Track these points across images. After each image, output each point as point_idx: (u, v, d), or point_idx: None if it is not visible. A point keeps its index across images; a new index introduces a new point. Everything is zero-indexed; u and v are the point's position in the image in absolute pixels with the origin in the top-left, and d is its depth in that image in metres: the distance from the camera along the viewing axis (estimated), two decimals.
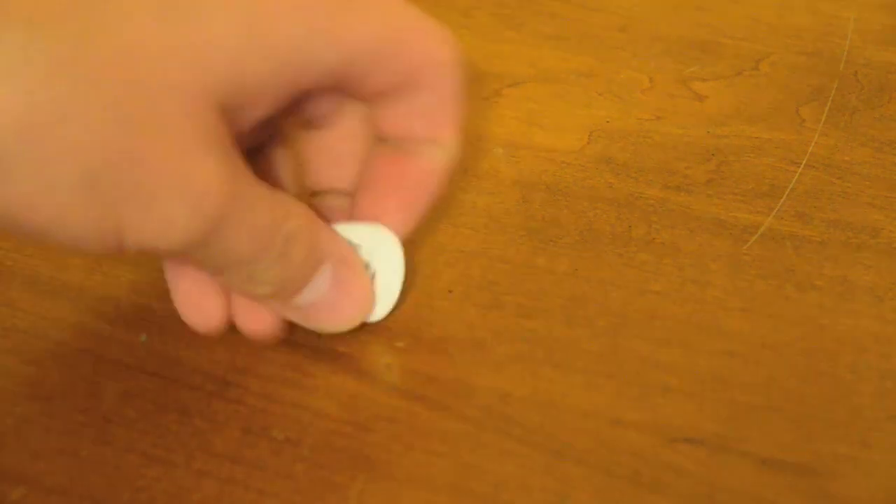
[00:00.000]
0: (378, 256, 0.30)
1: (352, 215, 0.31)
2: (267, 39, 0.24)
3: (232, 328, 0.31)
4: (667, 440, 0.28)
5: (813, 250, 0.33)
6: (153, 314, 0.31)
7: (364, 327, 0.31)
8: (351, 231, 0.30)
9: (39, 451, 0.28)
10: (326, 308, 0.29)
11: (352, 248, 0.29)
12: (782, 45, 0.42)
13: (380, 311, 0.30)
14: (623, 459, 0.28)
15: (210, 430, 0.28)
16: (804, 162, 0.37)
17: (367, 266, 0.30)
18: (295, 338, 0.30)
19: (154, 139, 0.23)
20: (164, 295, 0.30)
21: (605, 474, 0.27)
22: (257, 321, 0.29)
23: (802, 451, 0.28)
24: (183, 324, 0.30)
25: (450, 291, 0.32)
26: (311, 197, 0.31)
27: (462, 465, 0.27)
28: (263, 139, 0.30)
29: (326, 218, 0.31)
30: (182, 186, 0.24)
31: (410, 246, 0.33)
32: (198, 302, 0.29)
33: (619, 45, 0.42)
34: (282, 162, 0.31)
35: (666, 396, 0.29)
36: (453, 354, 0.30)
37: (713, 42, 0.42)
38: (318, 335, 0.31)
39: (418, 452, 0.28)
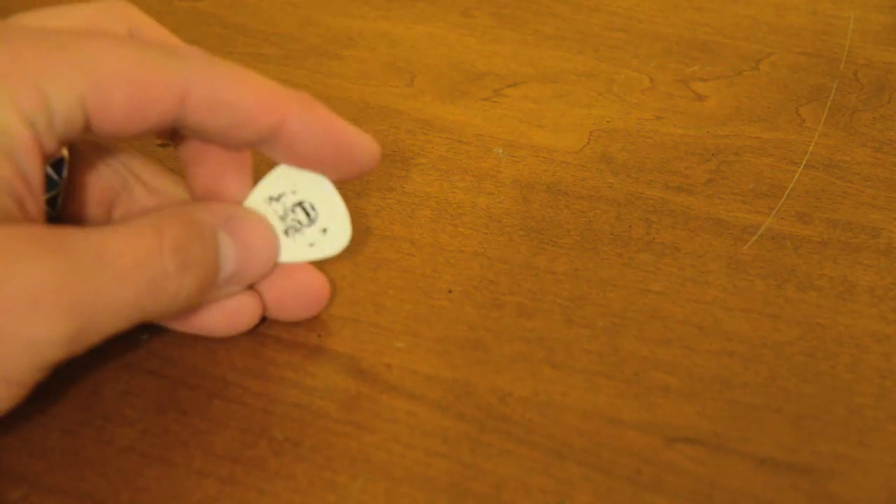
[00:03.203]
0: (307, 189, 0.30)
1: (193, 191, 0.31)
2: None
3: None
4: (667, 440, 0.28)
5: (813, 250, 0.34)
6: None
7: (367, 327, 0.31)
8: (270, 181, 0.30)
9: (40, 450, 0.28)
10: (250, 263, 0.29)
11: (226, 203, 0.29)
12: (782, 45, 0.42)
13: (342, 238, 0.31)
14: (623, 459, 0.28)
15: (210, 430, 0.28)
16: (804, 162, 0.37)
17: (309, 206, 0.31)
18: (295, 338, 0.31)
19: None
20: None
21: (605, 474, 0.27)
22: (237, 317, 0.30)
23: (802, 451, 0.28)
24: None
25: (450, 291, 0.32)
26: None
27: (462, 465, 0.27)
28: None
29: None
30: (39, 309, 0.23)
31: (411, 246, 0.33)
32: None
33: (619, 45, 0.42)
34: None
35: (666, 396, 0.29)
36: (453, 354, 0.30)
37: (713, 42, 0.42)
38: (318, 334, 0.31)
39: (418, 452, 0.28)
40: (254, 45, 0.41)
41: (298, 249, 0.30)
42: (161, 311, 0.26)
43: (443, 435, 0.28)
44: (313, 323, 0.31)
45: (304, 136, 0.29)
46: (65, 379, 0.29)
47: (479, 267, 0.33)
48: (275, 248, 0.30)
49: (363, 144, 0.30)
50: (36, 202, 0.25)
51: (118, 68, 0.26)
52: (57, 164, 0.30)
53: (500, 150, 0.37)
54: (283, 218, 0.30)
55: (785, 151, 0.37)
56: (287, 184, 0.30)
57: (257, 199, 0.30)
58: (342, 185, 0.30)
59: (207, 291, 0.28)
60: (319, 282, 0.30)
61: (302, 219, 0.30)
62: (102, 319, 0.25)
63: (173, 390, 0.29)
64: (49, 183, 0.29)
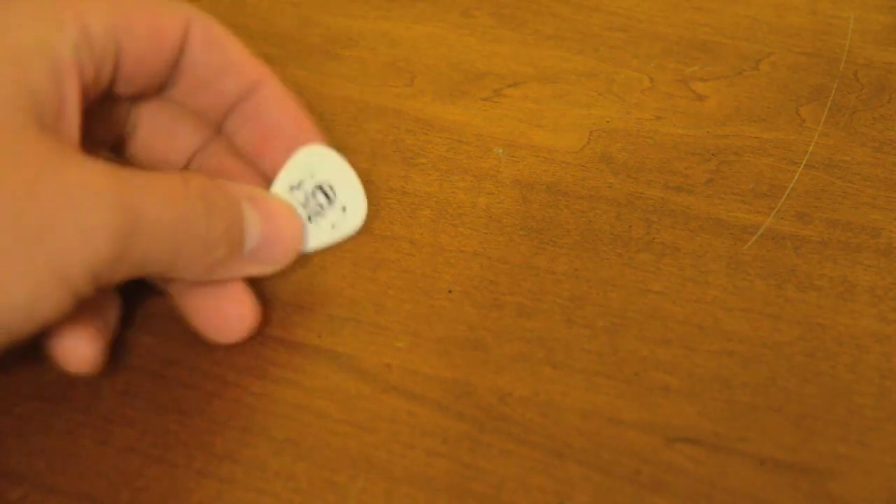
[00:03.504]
0: (324, 170, 0.31)
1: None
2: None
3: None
4: (667, 440, 0.28)
5: (813, 250, 0.34)
6: (153, 314, 0.31)
7: (367, 327, 0.31)
8: (288, 170, 0.31)
9: (40, 450, 0.28)
10: (270, 241, 0.29)
11: (250, 186, 0.30)
12: (782, 45, 0.42)
13: (359, 212, 0.32)
14: (623, 459, 0.28)
15: (210, 429, 0.28)
16: (804, 162, 0.37)
17: (328, 186, 0.31)
18: (295, 338, 0.31)
19: (26, 172, 0.23)
20: (164, 294, 0.30)
21: (605, 474, 0.27)
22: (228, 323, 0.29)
23: (802, 451, 0.28)
24: (183, 323, 0.30)
25: (450, 291, 0.32)
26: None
27: (462, 465, 0.27)
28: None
29: (220, 165, 0.32)
30: (77, 197, 0.24)
31: (411, 246, 0.33)
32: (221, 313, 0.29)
33: (619, 45, 0.42)
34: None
35: (666, 396, 0.29)
36: (453, 354, 0.30)
37: (713, 42, 0.42)
38: (318, 334, 0.31)
39: (418, 452, 0.28)
40: (254, 45, 0.41)
41: (322, 233, 0.31)
42: (193, 255, 0.27)
43: (443, 435, 0.28)
44: (313, 323, 0.31)
45: (273, 102, 0.30)
46: (65, 379, 0.29)
47: (479, 267, 0.33)
48: (300, 228, 0.31)
49: (314, 131, 0.31)
50: (67, 126, 0.26)
51: (134, 1, 0.28)
52: None
53: (500, 150, 0.37)
54: (305, 205, 0.31)
55: (785, 151, 0.37)
56: (304, 169, 0.31)
57: (279, 190, 0.31)
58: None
59: (235, 251, 0.28)
60: (247, 307, 0.30)
61: (322, 202, 0.31)
62: (148, 230, 0.25)
63: (173, 390, 0.29)
64: None
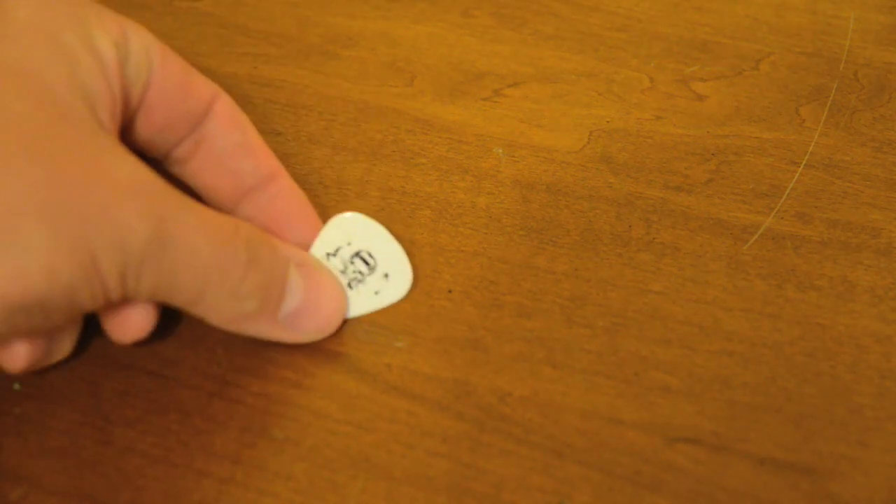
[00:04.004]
0: (361, 237, 0.31)
1: None
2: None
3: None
4: (666, 440, 0.28)
5: (813, 250, 0.34)
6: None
7: (368, 327, 0.31)
8: (324, 237, 0.31)
9: (39, 451, 0.28)
10: (309, 312, 0.29)
11: (304, 252, 0.30)
12: (782, 45, 0.42)
13: (405, 280, 0.32)
14: (623, 459, 0.28)
15: (210, 429, 0.28)
16: (804, 162, 0.37)
17: (366, 254, 0.31)
18: None
19: (74, 158, 0.24)
20: None
21: (605, 474, 0.27)
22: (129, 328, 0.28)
23: (802, 451, 0.28)
24: (183, 324, 0.30)
25: (450, 291, 0.32)
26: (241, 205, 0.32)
27: (462, 465, 0.27)
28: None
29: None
30: (122, 189, 0.24)
31: (410, 246, 0.33)
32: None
33: (619, 45, 0.42)
34: None
35: (666, 396, 0.29)
36: (453, 354, 0.30)
37: (713, 42, 0.42)
38: None
39: (418, 452, 0.28)
40: (254, 45, 0.41)
41: (365, 300, 0.31)
42: (221, 297, 0.27)
43: (443, 435, 0.28)
44: None
45: (287, 197, 0.31)
46: (65, 379, 0.29)
47: (479, 267, 0.33)
48: (344, 301, 0.30)
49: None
50: (115, 124, 0.27)
51: (172, 50, 0.29)
52: None
53: (500, 150, 0.37)
54: (343, 272, 0.31)
55: (785, 151, 0.37)
56: (341, 236, 0.31)
57: (315, 255, 0.31)
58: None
59: (268, 310, 0.28)
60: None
61: (362, 269, 0.31)
62: (180, 253, 0.25)
63: (173, 390, 0.29)
64: None
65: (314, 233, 0.31)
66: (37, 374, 0.29)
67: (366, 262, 0.31)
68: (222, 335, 0.30)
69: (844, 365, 0.30)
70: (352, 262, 0.31)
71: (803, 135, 0.38)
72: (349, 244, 0.31)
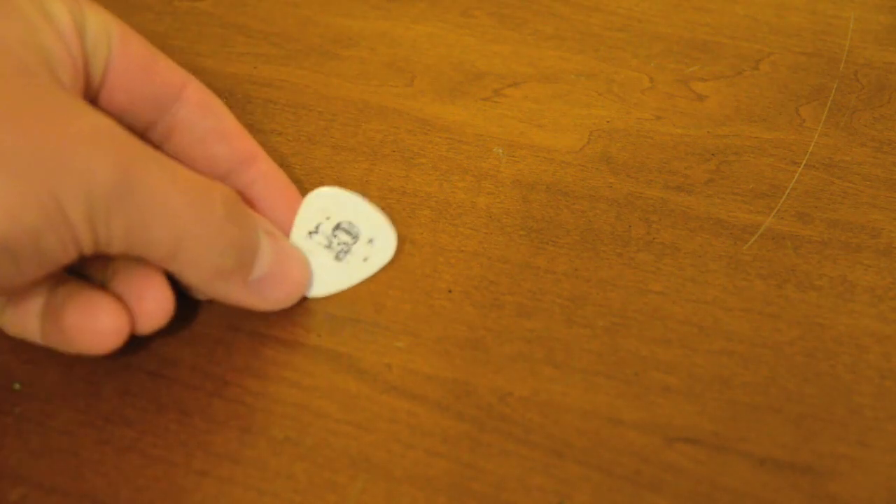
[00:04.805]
0: (339, 209, 0.32)
1: None
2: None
3: (233, 328, 0.31)
4: (666, 440, 0.28)
5: (813, 250, 0.34)
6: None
7: (367, 327, 0.31)
8: (302, 216, 0.31)
9: (39, 451, 0.28)
10: (277, 278, 0.29)
11: (269, 222, 0.30)
12: (782, 45, 0.42)
13: (390, 242, 0.32)
14: (623, 459, 0.28)
15: (210, 429, 0.28)
16: (804, 162, 0.37)
17: (347, 224, 0.31)
18: (295, 338, 0.31)
19: (33, 109, 0.24)
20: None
21: (605, 474, 0.27)
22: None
23: (802, 451, 0.28)
24: (183, 324, 0.30)
25: (450, 291, 0.32)
26: None
27: (462, 465, 0.27)
28: None
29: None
30: (84, 136, 0.24)
31: (411, 246, 0.33)
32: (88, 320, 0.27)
33: (619, 45, 0.42)
34: None
35: (666, 396, 0.29)
36: (453, 354, 0.30)
37: (713, 42, 0.42)
38: (318, 333, 0.31)
39: (418, 452, 0.28)
40: (254, 45, 0.41)
41: (357, 269, 0.31)
42: (199, 249, 0.26)
43: (443, 435, 0.28)
44: (313, 323, 0.31)
45: (267, 180, 0.31)
46: (65, 379, 0.29)
47: (479, 267, 0.33)
48: (307, 276, 0.31)
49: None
50: (77, 88, 0.27)
51: (137, 34, 0.29)
52: None
53: (500, 150, 0.37)
54: (329, 247, 0.31)
55: (785, 151, 0.37)
56: (318, 213, 0.31)
57: (297, 238, 0.31)
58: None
59: (242, 269, 0.28)
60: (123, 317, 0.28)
61: (346, 239, 0.31)
62: (147, 198, 0.25)
63: (173, 390, 0.29)
64: None
65: (293, 216, 0.31)
66: (37, 374, 0.29)
67: (348, 233, 0.31)
68: (222, 335, 0.30)
69: (844, 365, 0.30)
70: (334, 236, 0.31)
71: (803, 135, 0.38)
72: (328, 218, 0.31)
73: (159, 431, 0.28)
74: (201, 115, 0.30)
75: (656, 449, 0.28)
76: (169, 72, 0.29)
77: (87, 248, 0.25)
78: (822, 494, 0.27)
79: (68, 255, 0.25)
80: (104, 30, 0.27)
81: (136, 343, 0.30)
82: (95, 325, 0.27)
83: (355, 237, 0.31)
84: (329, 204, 0.32)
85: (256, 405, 0.29)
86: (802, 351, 0.30)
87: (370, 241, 0.32)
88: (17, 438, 0.28)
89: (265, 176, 0.31)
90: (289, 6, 0.43)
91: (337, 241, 0.31)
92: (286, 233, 0.31)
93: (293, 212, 0.31)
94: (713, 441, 0.28)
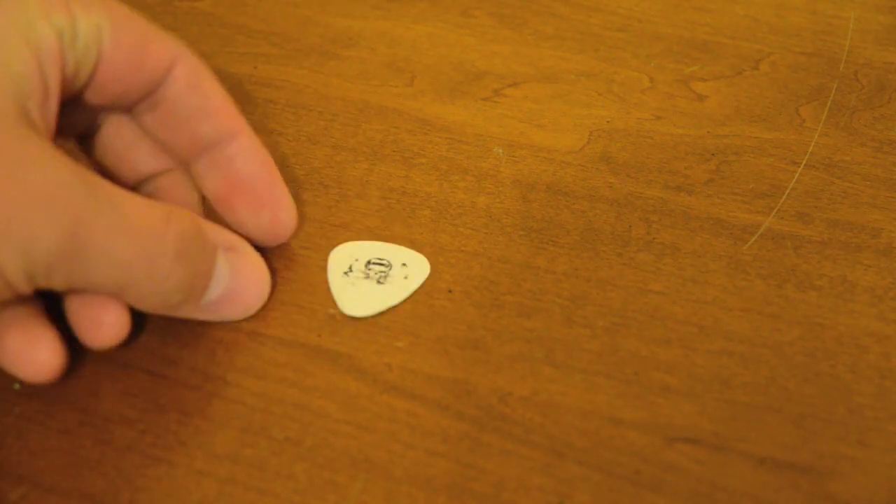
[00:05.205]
0: (364, 251, 0.33)
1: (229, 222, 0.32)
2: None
3: (232, 328, 0.31)
4: (666, 440, 0.28)
5: (813, 250, 0.33)
6: (153, 314, 0.31)
7: (367, 327, 0.31)
8: (334, 263, 0.33)
9: (39, 450, 0.28)
10: (232, 298, 0.30)
11: (232, 233, 0.30)
12: (782, 45, 0.42)
13: (422, 261, 0.33)
14: (623, 459, 0.28)
15: (210, 429, 0.28)
16: (804, 162, 0.37)
17: (376, 259, 0.33)
18: (295, 338, 0.31)
19: None
20: None
21: (605, 474, 0.27)
22: (100, 333, 0.28)
23: (802, 451, 0.28)
24: (183, 324, 0.30)
25: (450, 291, 0.32)
26: (141, 184, 0.32)
27: (462, 465, 0.27)
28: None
29: (172, 196, 0.32)
30: (32, 198, 0.24)
31: (410, 246, 0.33)
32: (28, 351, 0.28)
33: (619, 45, 0.42)
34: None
35: (666, 396, 0.29)
36: (453, 354, 0.30)
37: (713, 42, 0.42)
38: (318, 333, 0.31)
39: (418, 452, 0.28)
40: (254, 45, 0.41)
41: (400, 288, 0.32)
42: (144, 291, 0.27)
43: (443, 435, 0.28)
44: (313, 323, 0.31)
45: (247, 156, 0.31)
46: (65, 379, 0.29)
47: (479, 267, 0.33)
48: (267, 285, 0.31)
49: (283, 192, 0.32)
50: (46, 115, 0.26)
51: (131, 17, 0.28)
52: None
53: (500, 150, 0.37)
54: (368, 277, 0.32)
55: (785, 151, 0.37)
56: (346, 258, 0.32)
57: (334, 279, 0.32)
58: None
59: (192, 300, 0.28)
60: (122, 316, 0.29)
61: (381, 269, 0.32)
62: (93, 256, 0.25)
63: (173, 390, 0.29)
64: None
65: (272, 191, 0.32)
66: None
67: (380, 264, 0.32)
68: (222, 335, 0.30)
69: (844, 365, 0.30)
70: (369, 269, 0.32)
71: (803, 135, 0.38)
72: (357, 260, 0.32)
73: (159, 431, 0.28)
74: (188, 94, 0.30)
75: (656, 449, 0.28)
76: (159, 53, 0.29)
77: (25, 292, 0.26)
78: (822, 494, 0.27)
79: (2, 297, 0.25)
80: (95, 30, 0.27)
81: (136, 343, 0.30)
82: (34, 355, 0.27)
83: (389, 265, 0.32)
84: (354, 250, 0.33)
85: (256, 405, 0.29)
86: (802, 351, 0.30)
87: (404, 264, 0.32)
88: (17, 438, 0.28)
89: (246, 152, 0.31)
90: (289, 6, 0.43)
91: (373, 272, 0.32)
92: (265, 202, 0.31)
93: (269, 188, 0.31)
94: (713, 441, 0.28)
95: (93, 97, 0.29)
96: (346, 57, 0.41)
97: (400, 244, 0.33)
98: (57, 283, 0.26)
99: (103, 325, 0.28)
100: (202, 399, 0.29)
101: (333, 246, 0.33)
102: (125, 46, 0.28)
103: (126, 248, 0.25)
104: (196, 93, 0.30)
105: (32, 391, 0.29)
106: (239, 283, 0.30)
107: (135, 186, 0.32)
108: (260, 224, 0.32)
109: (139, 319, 0.31)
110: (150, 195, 0.32)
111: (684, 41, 0.42)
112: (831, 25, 0.43)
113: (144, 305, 0.28)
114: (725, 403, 0.29)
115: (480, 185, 0.36)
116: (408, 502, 0.27)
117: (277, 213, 0.32)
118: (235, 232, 0.31)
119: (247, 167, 0.31)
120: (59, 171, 0.25)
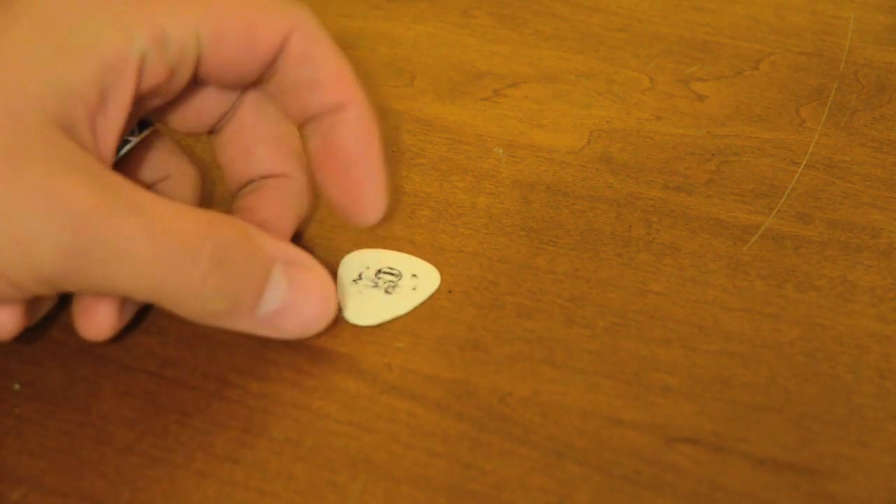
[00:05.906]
0: (376, 260, 0.33)
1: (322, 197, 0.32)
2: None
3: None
4: (666, 440, 0.28)
5: (813, 250, 0.34)
6: (153, 314, 0.31)
7: (367, 327, 0.31)
8: (344, 270, 0.33)
9: (39, 451, 0.28)
10: (291, 313, 0.28)
11: (299, 248, 0.30)
12: (782, 45, 0.42)
13: (433, 273, 0.33)
14: (623, 459, 0.28)
15: (210, 430, 0.28)
16: (804, 162, 0.37)
17: (387, 268, 0.33)
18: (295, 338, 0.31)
19: (7, 179, 0.24)
20: None
21: (605, 474, 0.27)
22: (94, 323, 0.28)
23: (802, 451, 0.28)
24: (183, 324, 0.30)
25: (450, 291, 0.32)
26: (244, 189, 0.32)
27: (462, 465, 0.27)
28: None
29: (271, 200, 0.32)
30: (39, 208, 0.24)
31: (410, 246, 0.33)
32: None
33: (619, 45, 0.42)
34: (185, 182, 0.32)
35: (666, 396, 0.29)
36: (453, 354, 0.30)
37: (713, 42, 0.42)
38: (318, 334, 0.31)
39: (418, 452, 0.28)
40: None
41: (407, 297, 0.32)
42: (180, 298, 0.26)
43: (443, 435, 0.28)
44: None
45: (350, 128, 0.30)
46: (65, 379, 0.29)
47: (479, 267, 0.33)
48: (333, 303, 0.30)
49: (379, 165, 0.31)
50: (100, 125, 0.26)
51: (232, 5, 0.27)
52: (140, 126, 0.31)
53: (500, 150, 0.37)
54: (376, 286, 0.32)
55: (785, 151, 0.37)
56: (356, 266, 0.32)
57: (342, 286, 0.32)
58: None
59: (241, 311, 0.27)
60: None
61: (390, 278, 0.32)
62: (108, 258, 0.25)
63: (173, 391, 0.29)
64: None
65: (365, 170, 0.30)
66: (37, 374, 0.29)
67: (390, 273, 0.32)
68: (222, 335, 0.30)
69: (844, 365, 0.30)
70: (378, 278, 0.32)
71: (803, 135, 0.38)
72: (367, 268, 0.32)
73: (159, 432, 0.28)
74: (297, 68, 0.29)
75: (656, 449, 0.28)
76: (269, 35, 0.28)
77: (42, 293, 0.26)
78: (822, 494, 0.27)
79: (11, 298, 0.26)
80: (190, 34, 0.27)
81: (136, 344, 0.30)
82: (95, 313, 0.27)
83: (398, 275, 0.32)
84: (365, 259, 0.33)
85: (257, 406, 0.29)
86: (802, 351, 0.30)
87: (413, 275, 0.32)
88: (17, 438, 0.28)
89: (349, 124, 0.30)
90: None
91: (382, 281, 0.32)
92: (355, 180, 0.30)
93: (366, 164, 0.30)
94: (713, 441, 0.28)
95: (200, 90, 0.29)
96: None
97: (400, 244, 0.33)
98: (73, 284, 0.25)
99: (97, 317, 0.27)
100: (202, 400, 0.29)
101: (332, 246, 0.33)
102: (229, 41, 0.27)
103: (146, 249, 0.25)
104: (307, 65, 0.29)
105: (32, 391, 0.29)
106: (296, 299, 0.28)
107: (242, 186, 0.32)
108: (345, 201, 0.31)
109: (139, 320, 0.31)
110: (251, 195, 0.32)
111: (684, 41, 0.43)
112: (831, 25, 0.43)
113: (187, 314, 0.27)
114: (725, 404, 0.29)
115: (480, 186, 0.36)
116: (408, 502, 0.27)
117: (363, 194, 0.31)
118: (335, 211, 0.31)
119: (345, 140, 0.30)
120: (68, 171, 0.24)
